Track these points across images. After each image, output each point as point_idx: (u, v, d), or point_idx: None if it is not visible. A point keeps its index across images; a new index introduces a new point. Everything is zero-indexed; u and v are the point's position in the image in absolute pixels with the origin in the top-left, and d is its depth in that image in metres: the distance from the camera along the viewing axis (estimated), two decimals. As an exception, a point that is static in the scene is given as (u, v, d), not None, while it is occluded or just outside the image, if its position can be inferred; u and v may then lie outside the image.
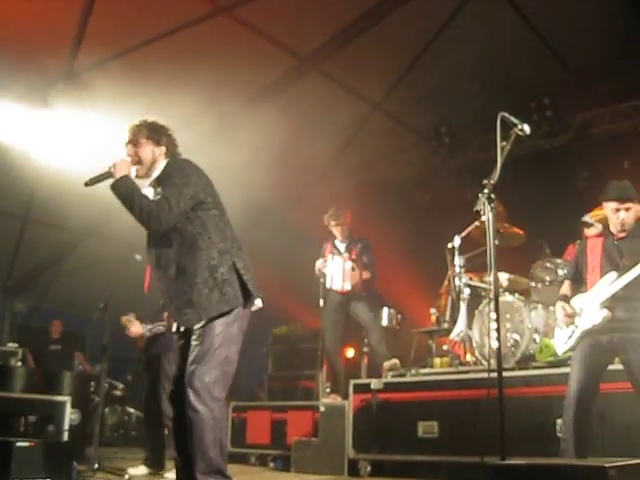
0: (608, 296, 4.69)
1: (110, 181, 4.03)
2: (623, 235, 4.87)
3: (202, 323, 3.94)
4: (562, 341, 4.97)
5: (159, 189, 4.04)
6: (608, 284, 4.73)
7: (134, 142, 4.19)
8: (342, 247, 8.14)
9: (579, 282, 5.11)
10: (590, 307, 4.79)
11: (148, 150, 4.19)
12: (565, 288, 5.24)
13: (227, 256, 4.03)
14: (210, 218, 4.08)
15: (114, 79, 7.53)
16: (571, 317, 4.90)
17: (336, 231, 8.14)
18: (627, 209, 4.85)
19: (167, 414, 6.43)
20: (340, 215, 8.12)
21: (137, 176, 4.15)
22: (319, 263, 8.05)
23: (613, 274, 4.73)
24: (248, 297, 4.05)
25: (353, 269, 7.85)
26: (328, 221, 8.14)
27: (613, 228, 4.93)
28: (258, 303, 4.18)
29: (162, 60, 7.61)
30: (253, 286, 4.07)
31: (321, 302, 8.00)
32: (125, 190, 3.97)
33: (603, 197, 4.98)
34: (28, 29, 7.07)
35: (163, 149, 4.22)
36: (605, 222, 5.18)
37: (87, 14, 7.25)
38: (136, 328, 6.70)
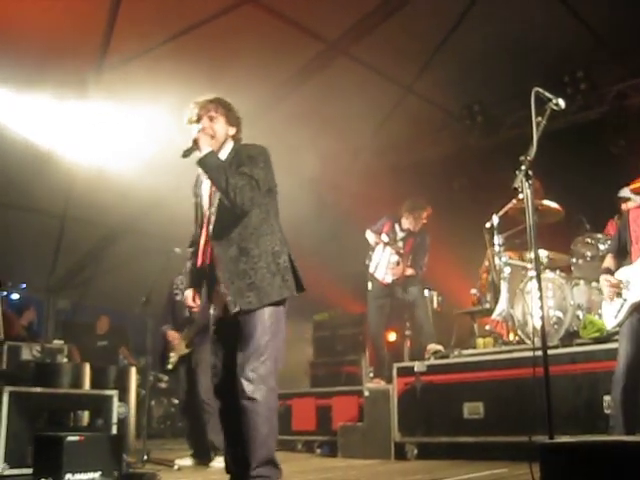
0: None
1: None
2: None
3: (255, 308, 3.91)
4: (611, 315, 4.85)
5: (242, 169, 3.99)
6: None
7: (211, 116, 4.13)
8: (400, 235, 8.06)
9: (622, 255, 5.01)
10: (638, 279, 4.67)
11: (223, 127, 4.16)
12: (608, 262, 5.14)
13: (286, 246, 4.08)
14: (273, 207, 4.14)
15: (144, 74, 7.57)
16: (617, 288, 4.78)
17: (406, 220, 8.08)
18: None
19: (207, 402, 6.52)
20: (416, 208, 8.07)
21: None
22: (372, 238, 8.03)
23: None
24: (300, 289, 4.10)
25: (398, 263, 7.84)
26: (403, 209, 8.10)
27: None
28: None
29: (191, 53, 7.62)
30: (302, 279, 4.11)
31: (369, 285, 8.00)
32: (213, 165, 3.96)
33: None
34: (58, 25, 7.11)
35: (234, 130, 4.21)
36: None
37: (116, 8, 7.27)
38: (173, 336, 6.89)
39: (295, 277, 4.06)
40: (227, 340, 4.06)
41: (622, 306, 4.73)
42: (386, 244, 7.96)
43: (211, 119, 4.13)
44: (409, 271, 7.88)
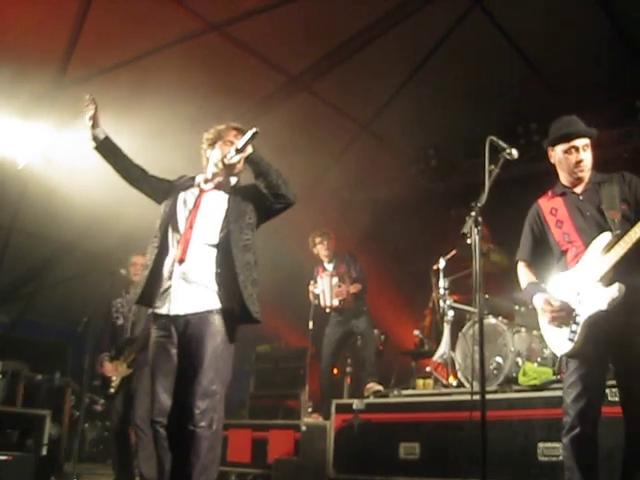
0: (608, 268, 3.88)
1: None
2: (585, 185, 4.20)
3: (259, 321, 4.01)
4: (562, 338, 4.02)
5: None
6: (602, 252, 3.93)
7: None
8: (330, 267, 8.16)
9: (538, 261, 4.37)
10: (589, 286, 3.94)
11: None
12: (528, 274, 4.39)
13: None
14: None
15: (103, 93, 7.51)
16: (563, 312, 4.01)
17: (321, 251, 8.15)
18: (584, 147, 4.18)
19: (140, 427, 6.41)
20: (324, 234, 8.15)
21: (229, 167, 4.23)
22: (311, 287, 8.08)
23: (606, 236, 3.95)
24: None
25: (339, 285, 7.87)
26: (313, 241, 8.16)
27: (568, 179, 4.26)
28: None
29: (151, 76, 7.60)
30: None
31: (310, 324, 8.00)
32: (265, 160, 4.12)
33: (547, 142, 4.31)
34: (20, 41, 7.06)
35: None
36: None
37: (79, 28, 7.25)
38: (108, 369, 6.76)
39: None
40: (173, 356, 3.98)
41: (577, 324, 3.95)
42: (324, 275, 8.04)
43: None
44: (352, 288, 7.92)
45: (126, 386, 6.81)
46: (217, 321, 3.93)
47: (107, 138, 4.37)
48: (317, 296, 8.04)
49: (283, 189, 4.05)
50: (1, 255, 10.99)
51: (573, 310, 3.98)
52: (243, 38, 7.79)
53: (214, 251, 4.03)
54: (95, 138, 4.32)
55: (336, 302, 7.88)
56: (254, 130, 4.01)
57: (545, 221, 4.30)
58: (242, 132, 4.19)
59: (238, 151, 4.09)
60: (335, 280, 7.91)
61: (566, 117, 4.29)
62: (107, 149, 4.38)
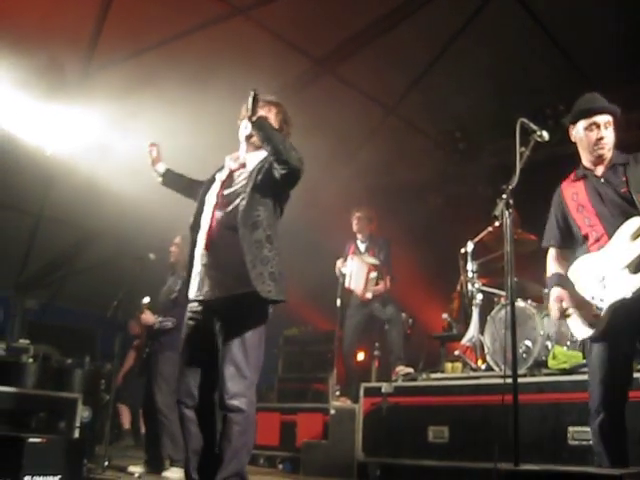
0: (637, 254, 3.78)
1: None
2: (606, 166, 4.10)
3: (272, 299, 3.93)
4: (584, 323, 3.97)
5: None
6: (630, 237, 3.83)
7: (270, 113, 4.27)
8: (362, 247, 8.17)
9: (569, 245, 4.26)
10: (613, 270, 3.85)
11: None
12: (553, 263, 4.32)
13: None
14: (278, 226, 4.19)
15: (130, 78, 7.58)
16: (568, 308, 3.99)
17: (356, 227, 8.20)
18: (606, 125, 4.08)
19: (163, 412, 6.50)
20: (365, 213, 8.25)
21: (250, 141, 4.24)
22: (339, 262, 8.08)
23: (636, 221, 3.83)
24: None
25: (377, 283, 7.87)
26: (354, 214, 8.23)
27: (589, 158, 4.17)
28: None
29: (178, 60, 7.63)
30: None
31: (338, 302, 8.01)
32: (269, 126, 4.06)
33: (568, 119, 4.28)
34: (46, 25, 7.09)
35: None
36: None
37: (105, 13, 7.27)
38: (148, 316, 6.75)
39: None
40: (205, 339, 4.00)
41: (599, 310, 3.88)
42: (356, 254, 8.03)
43: (268, 112, 4.25)
44: (389, 283, 7.96)
45: (147, 371, 6.87)
46: (243, 305, 3.92)
47: (167, 170, 4.56)
48: (343, 275, 8.05)
49: (285, 154, 3.91)
50: (30, 242, 11.11)
51: (601, 288, 3.88)
52: (268, 22, 7.78)
53: (229, 233, 4.00)
54: (159, 175, 4.57)
55: (370, 295, 7.89)
56: (252, 93, 3.94)
57: (567, 206, 4.23)
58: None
59: (250, 120, 4.02)
60: (374, 275, 7.90)
61: (588, 94, 4.22)
62: (170, 180, 4.61)
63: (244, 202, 3.99)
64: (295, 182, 4.10)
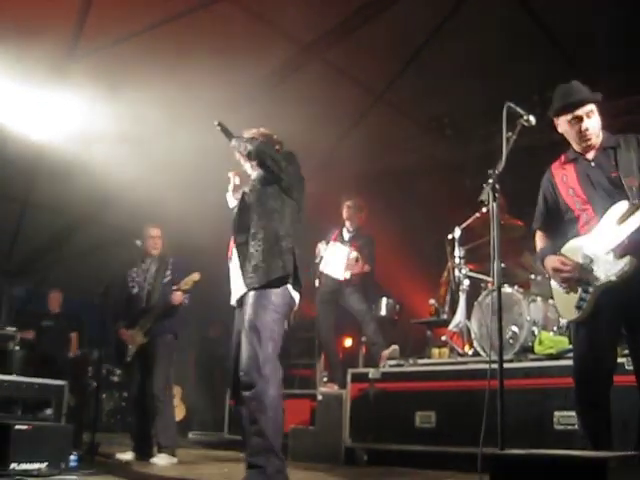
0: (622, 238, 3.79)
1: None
2: (594, 152, 4.12)
3: (256, 287, 4.18)
4: (571, 305, 3.98)
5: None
6: (617, 221, 3.83)
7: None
8: (347, 236, 8.17)
9: (555, 230, 4.28)
10: (603, 253, 3.86)
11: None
12: (542, 241, 4.37)
13: (290, 239, 4.34)
14: (289, 205, 4.46)
15: (115, 65, 7.52)
16: (575, 272, 3.94)
17: (345, 214, 8.25)
18: (588, 115, 4.09)
19: (159, 397, 6.52)
20: (354, 203, 8.32)
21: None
22: (320, 245, 8.10)
23: (623, 204, 3.85)
24: (296, 283, 4.34)
25: (357, 260, 7.88)
26: (343, 201, 8.29)
27: (577, 147, 4.19)
28: (296, 299, 4.42)
29: (165, 44, 7.58)
30: (300, 277, 4.37)
31: (316, 282, 8.03)
32: (239, 145, 4.58)
33: (550, 113, 4.30)
34: (31, 12, 7.02)
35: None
36: None
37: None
38: (178, 295, 6.81)
39: (294, 269, 4.31)
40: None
41: (586, 292, 3.89)
42: (338, 241, 8.06)
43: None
44: (367, 267, 7.98)
45: (143, 355, 6.87)
46: (250, 299, 4.24)
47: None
48: (321, 258, 8.06)
49: (268, 163, 4.43)
50: (17, 229, 11.05)
51: (589, 271, 3.89)
52: (254, 7, 7.72)
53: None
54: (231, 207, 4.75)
55: (348, 275, 7.89)
56: (215, 123, 4.52)
57: (557, 188, 4.25)
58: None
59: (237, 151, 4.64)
60: (354, 254, 7.91)
61: (565, 85, 4.23)
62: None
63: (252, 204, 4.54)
64: (273, 179, 4.48)
